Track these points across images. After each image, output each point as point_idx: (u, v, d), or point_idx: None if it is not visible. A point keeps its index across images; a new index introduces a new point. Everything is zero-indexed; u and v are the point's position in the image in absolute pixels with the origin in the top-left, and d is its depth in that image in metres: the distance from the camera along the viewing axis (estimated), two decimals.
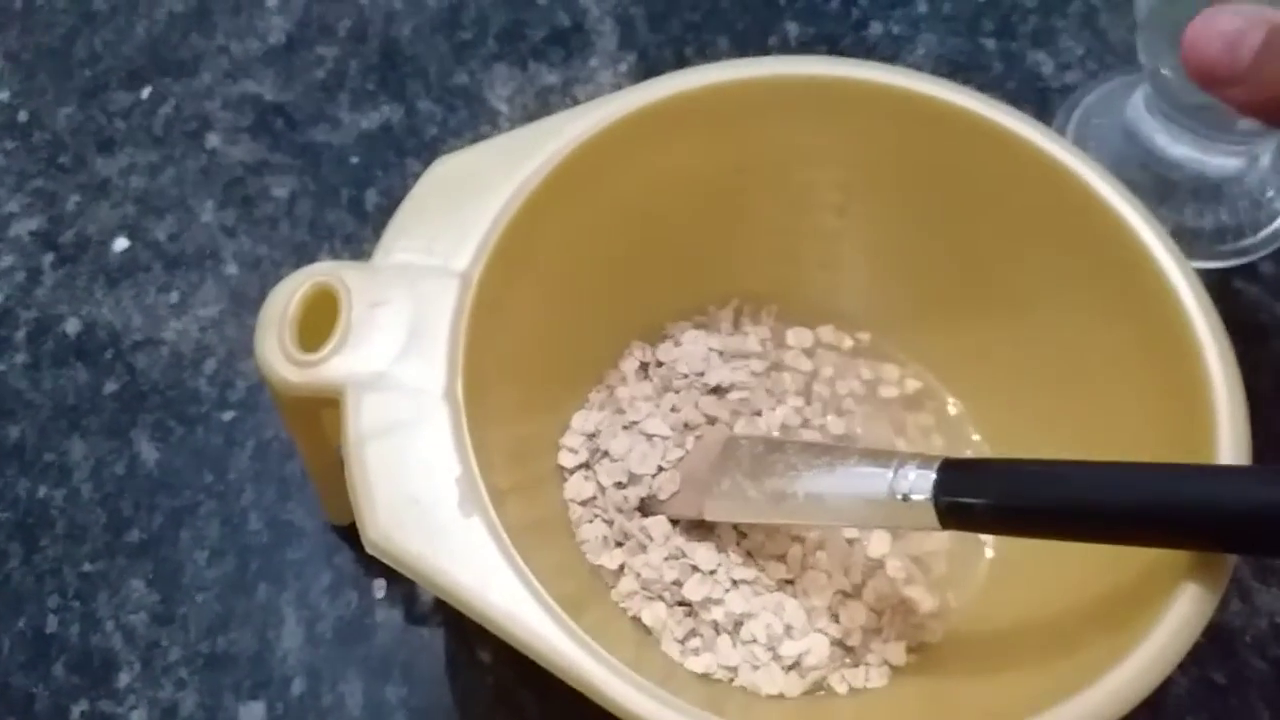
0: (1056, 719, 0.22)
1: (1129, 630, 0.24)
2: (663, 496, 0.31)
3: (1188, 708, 0.31)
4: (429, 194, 0.28)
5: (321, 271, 0.26)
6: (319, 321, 0.26)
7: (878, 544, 0.31)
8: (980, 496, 0.24)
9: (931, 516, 0.25)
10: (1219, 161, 0.38)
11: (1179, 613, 0.23)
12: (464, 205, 0.28)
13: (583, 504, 0.31)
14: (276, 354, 0.25)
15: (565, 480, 0.32)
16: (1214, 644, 0.32)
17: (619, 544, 0.31)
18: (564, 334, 0.31)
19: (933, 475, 0.25)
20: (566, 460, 0.32)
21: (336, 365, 0.25)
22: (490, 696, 0.30)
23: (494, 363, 0.27)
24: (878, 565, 0.31)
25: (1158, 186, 0.38)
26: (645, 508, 0.31)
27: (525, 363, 0.29)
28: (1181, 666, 0.31)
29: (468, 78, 0.41)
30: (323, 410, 0.27)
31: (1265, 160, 0.39)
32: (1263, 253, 0.38)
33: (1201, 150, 0.37)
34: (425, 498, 0.24)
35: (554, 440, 0.32)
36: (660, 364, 0.33)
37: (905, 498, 0.25)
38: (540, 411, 0.31)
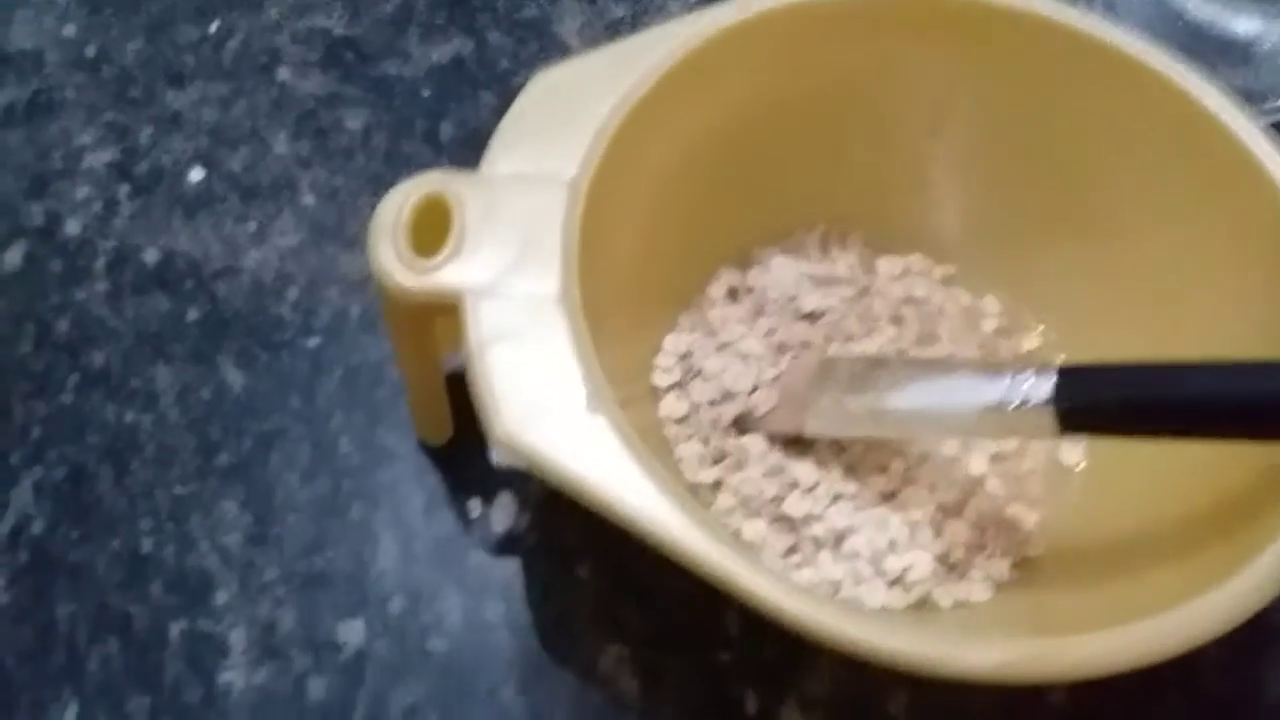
0: (1165, 624, 0.22)
1: (1238, 540, 0.24)
2: (760, 413, 0.31)
3: None
4: (531, 107, 0.28)
5: (433, 181, 0.26)
6: (428, 232, 0.26)
7: (977, 462, 0.31)
8: (1102, 396, 0.24)
9: (1048, 423, 0.25)
10: (1245, 23, 0.39)
11: None
12: (569, 116, 0.27)
13: (677, 422, 0.31)
14: (393, 260, 0.25)
15: (660, 399, 0.32)
16: None
17: (715, 461, 0.31)
18: (659, 253, 0.31)
19: (1052, 378, 0.25)
20: (661, 380, 0.32)
21: (452, 272, 0.25)
22: (589, 612, 0.30)
23: (602, 273, 0.27)
24: (978, 483, 0.31)
25: (1186, 49, 0.39)
26: (741, 425, 0.31)
27: (625, 277, 0.29)
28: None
29: (537, 10, 0.41)
30: (436, 319, 0.27)
31: None
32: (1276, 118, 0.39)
33: (1228, 10, 0.39)
34: (550, 397, 0.24)
35: (647, 361, 0.32)
36: (750, 289, 0.33)
37: (1022, 404, 0.25)
38: (637, 329, 0.31)
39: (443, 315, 0.26)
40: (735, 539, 0.29)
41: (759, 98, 0.31)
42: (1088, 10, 0.30)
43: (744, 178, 0.32)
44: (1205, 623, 0.23)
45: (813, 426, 0.30)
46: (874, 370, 0.30)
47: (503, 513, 0.32)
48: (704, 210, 0.32)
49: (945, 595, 0.29)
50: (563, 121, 0.27)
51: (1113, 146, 0.30)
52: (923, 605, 0.29)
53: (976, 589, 0.29)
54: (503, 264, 0.25)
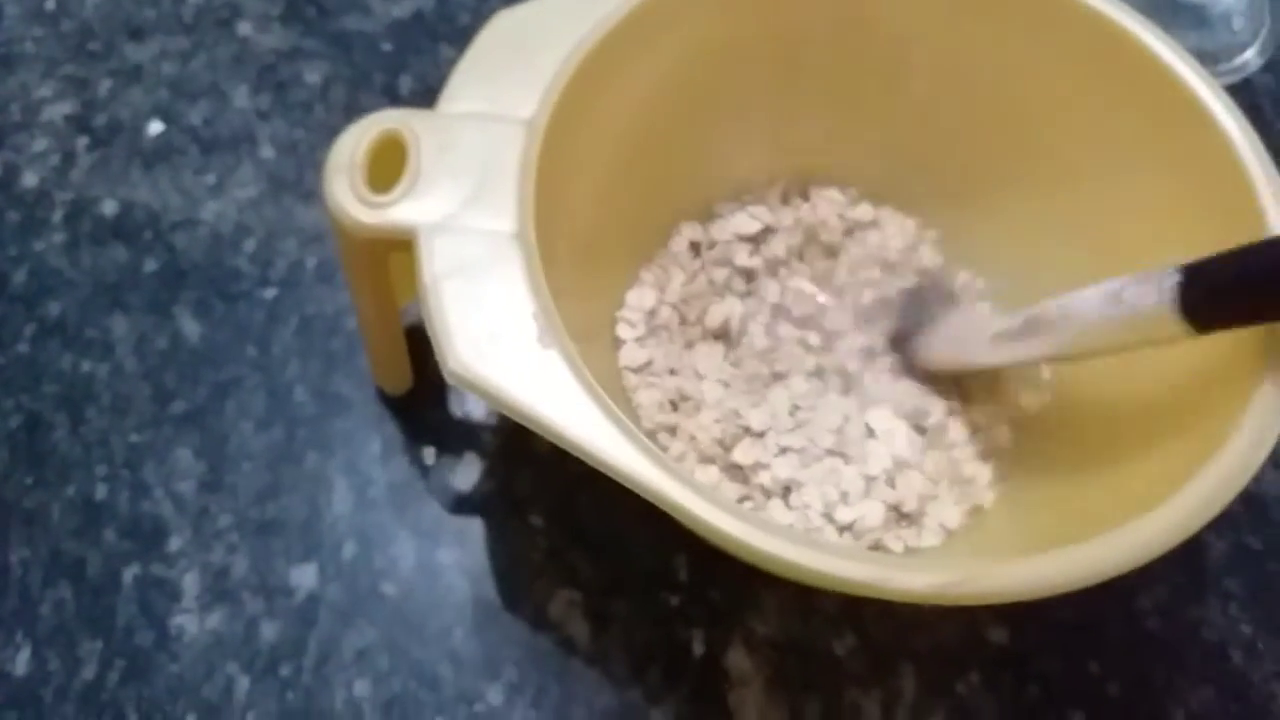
0: (1093, 549, 0.23)
1: (1201, 442, 0.24)
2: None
3: (1224, 570, 0.31)
4: (491, 46, 0.28)
5: (389, 118, 0.26)
6: (384, 169, 0.26)
7: (937, 414, 0.31)
8: (1221, 281, 0.23)
9: (1175, 320, 0.24)
10: None
11: (1253, 424, 0.23)
12: (527, 56, 0.27)
13: (636, 371, 0.32)
14: (348, 195, 0.25)
15: (620, 348, 0.32)
16: (1249, 510, 0.32)
17: (674, 407, 0.31)
18: (618, 203, 0.31)
19: (1175, 277, 0.24)
20: (624, 332, 0.32)
21: (408, 208, 0.25)
22: (542, 558, 0.30)
23: (559, 212, 0.27)
24: (938, 434, 0.31)
25: (1143, 9, 0.40)
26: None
27: (584, 224, 0.29)
28: (1218, 530, 0.33)
29: None
30: (390, 255, 0.27)
31: None
32: (1228, 80, 0.40)
33: None
34: (503, 331, 0.24)
35: (606, 313, 0.32)
36: (714, 244, 0.34)
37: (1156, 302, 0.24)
38: (596, 279, 0.31)
39: (398, 251, 0.26)
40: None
41: (718, 46, 0.31)
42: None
43: (703, 129, 0.32)
44: (1133, 548, 0.23)
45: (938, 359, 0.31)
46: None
47: (457, 460, 0.32)
48: (663, 162, 0.32)
49: (896, 541, 0.30)
50: (522, 62, 0.27)
51: (1065, 95, 0.30)
52: (874, 549, 0.30)
53: (927, 535, 0.30)
54: (458, 200, 0.25)
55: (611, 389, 0.31)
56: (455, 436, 0.32)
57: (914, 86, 0.33)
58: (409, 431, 0.32)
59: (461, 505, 0.31)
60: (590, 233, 0.30)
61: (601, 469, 0.23)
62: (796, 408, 0.31)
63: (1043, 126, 0.31)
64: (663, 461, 0.22)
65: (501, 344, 0.24)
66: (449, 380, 0.23)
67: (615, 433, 0.23)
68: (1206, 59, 0.40)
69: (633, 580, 0.30)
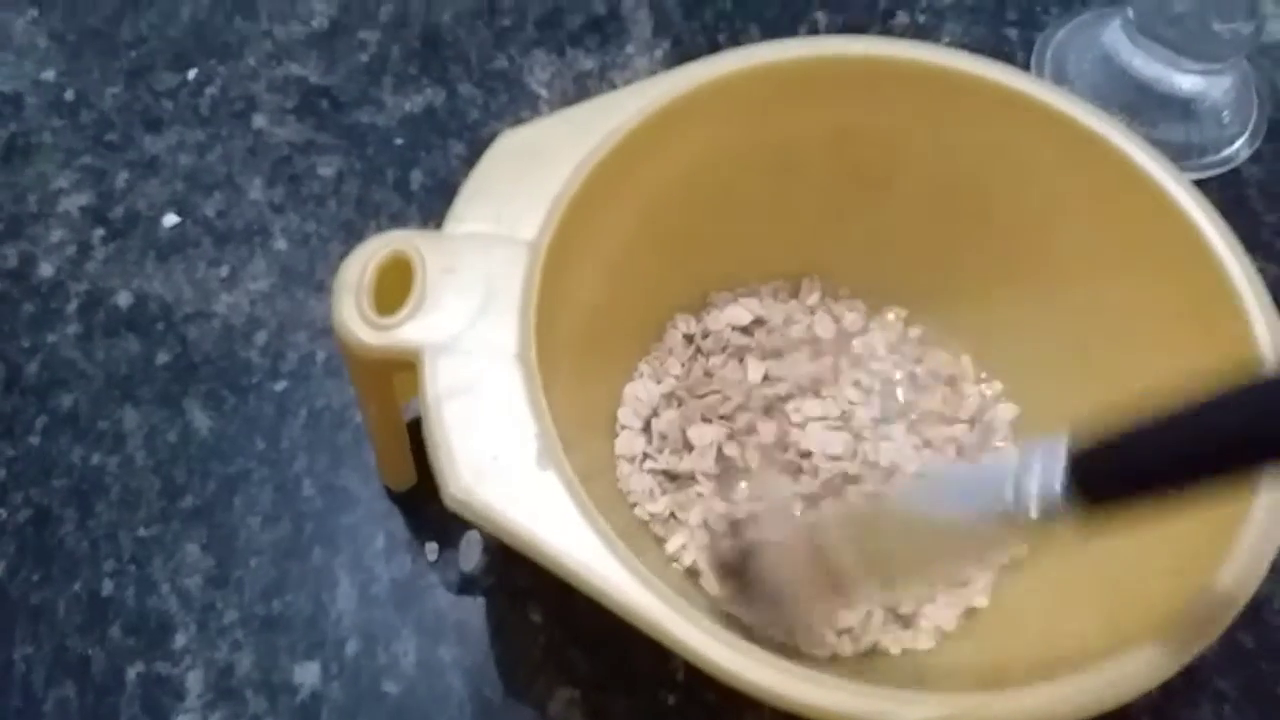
0: (1096, 679, 0.23)
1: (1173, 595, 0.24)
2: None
3: (1216, 670, 0.32)
4: (495, 166, 0.29)
5: (396, 239, 0.27)
6: (391, 288, 0.27)
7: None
8: (1119, 468, 0.22)
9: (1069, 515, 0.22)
10: (1189, 80, 0.41)
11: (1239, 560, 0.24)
12: (530, 177, 0.28)
13: (630, 461, 0.32)
14: (355, 318, 0.26)
15: (616, 437, 0.33)
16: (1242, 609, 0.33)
17: (664, 491, 0.32)
18: (617, 306, 0.32)
19: (1059, 466, 0.22)
20: (625, 419, 0.33)
21: (412, 329, 0.26)
22: (541, 655, 0.31)
23: (559, 329, 0.28)
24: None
25: (1132, 105, 0.41)
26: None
27: (584, 331, 0.30)
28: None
29: (507, 63, 0.42)
30: (395, 373, 0.27)
31: (1227, 81, 0.42)
32: (1217, 171, 0.41)
33: (1172, 68, 0.41)
34: (503, 453, 0.24)
35: (605, 408, 0.33)
36: (707, 334, 0.34)
37: (1040, 502, 0.22)
38: (594, 380, 0.32)
39: (403, 370, 0.26)
40: (675, 582, 0.30)
41: (716, 156, 0.32)
42: (1038, 72, 0.31)
43: (700, 232, 0.33)
44: (1137, 678, 0.23)
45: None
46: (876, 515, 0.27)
47: (461, 557, 0.32)
48: (661, 264, 0.33)
49: (894, 644, 0.30)
50: (525, 182, 0.28)
51: (1053, 202, 0.31)
52: (871, 653, 0.30)
53: (922, 638, 0.30)
54: (461, 321, 0.26)
55: (608, 478, 0.32)
56: (458, 531, 0.33)
57: (904, 192, 0.34)
58: (412, 527, 0.33)
59: (462, 602, 0.32)
60: (590, 336, 0.31)
61: (599, 600, 0.23)
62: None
63: (1031, 229, 0.32)
64: (659, 590, 0.23)
65: (502, 466, 0.24)
66: (449, 506, 0.24)
67: (614, 563, 0.23)
68: (1194, 151, 0.41)
69: (631, 678, 0.31)
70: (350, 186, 0.39)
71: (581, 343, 0.30)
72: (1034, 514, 0.22)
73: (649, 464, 0.32)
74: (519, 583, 0.32)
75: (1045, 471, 0.22)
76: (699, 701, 0.30)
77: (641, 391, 0.34)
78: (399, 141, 0.40)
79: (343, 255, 0.27)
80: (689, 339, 0.34)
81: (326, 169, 0.39)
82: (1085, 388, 0.31)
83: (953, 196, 0.33)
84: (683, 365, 0.34)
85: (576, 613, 0.31)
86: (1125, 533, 0.28)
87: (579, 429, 0.30)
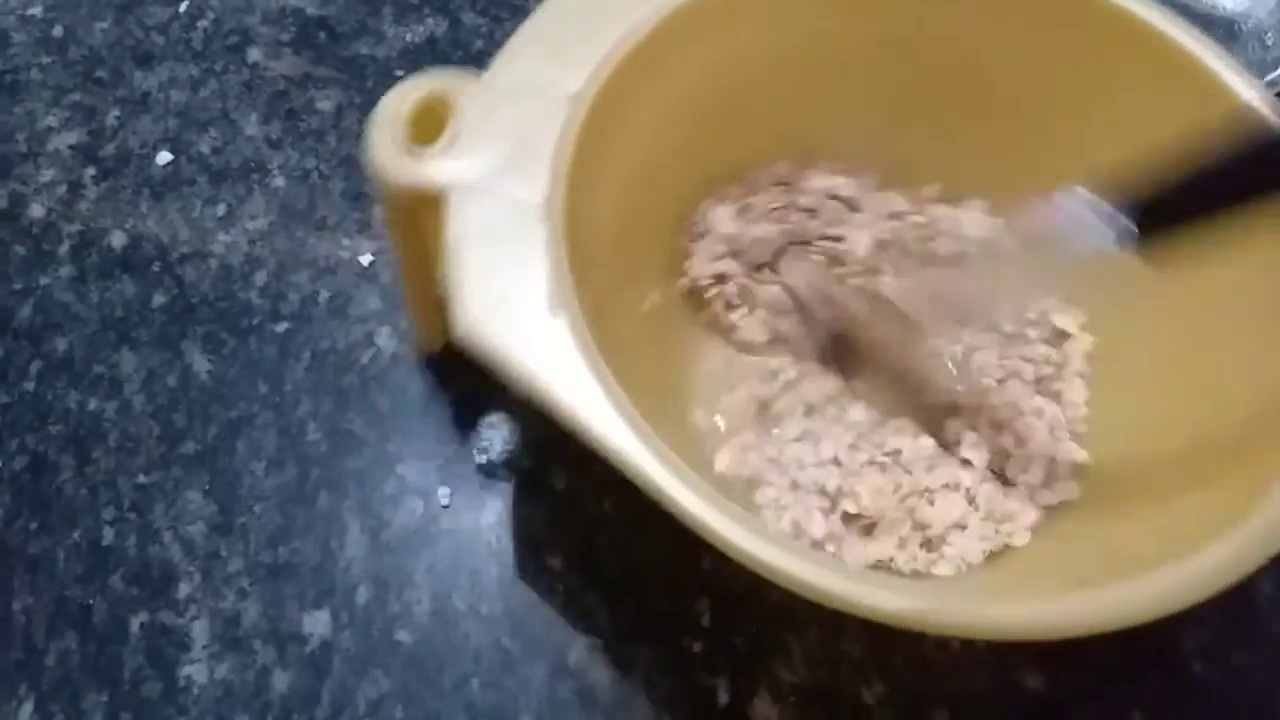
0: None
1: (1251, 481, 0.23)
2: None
3: (1274, 613, 0.30)
4: (550, 17, 0.28)
5: (437, 79, 0.26)
6: (427, 127, 0.26)
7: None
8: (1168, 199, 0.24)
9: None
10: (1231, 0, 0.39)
11: None
12: (584, 31, 0.27)
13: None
14: (389, 148, 0.25)
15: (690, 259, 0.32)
16: None
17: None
18: (666, 172, 0.31)
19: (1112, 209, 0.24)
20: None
21: (442, 166, 0.25)
22: (560, 602, 0.29)
23: (598, 185, 0.27)
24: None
25: None
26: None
27: (626, 190, 0.29)
28: (1265, 570, 0.32)
29: None
30: (421, 212, 0.27)
31: (1272, 1, 0.40)
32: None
33: None
34: (515, 295, 0.24)
35: (654, 269, 0.32)
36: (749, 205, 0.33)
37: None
38: (638, 242, 0.31)
39: (428, 208, 0.25)
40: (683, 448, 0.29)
41: (769, 44, 0.31)
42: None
43: (736, 112, 0.32)
44: (1180, 591, 0.22)
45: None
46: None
47: (473, 501, 0.31)
48: (698, 144, 0.32)
49: (908, 564, 0.29)
50: (578, 35, 0.27)
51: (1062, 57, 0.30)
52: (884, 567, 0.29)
53: (943, 565, 0.29)
54: (491, 166, 0.25)
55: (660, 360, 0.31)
56: (470, 476, 0.31)
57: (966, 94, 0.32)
58: (424, 469, 0.31)
59: (476, 547, 0.30)
60: (629, 206, 0.30)
61: (595, 449, 0.22)
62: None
63: (1094, 134, 0.30)
64: (654, 445, 0.22)
65: (511, 307, 0.23)
66: (458, 343, 0.23)
67: (611, 411, 0.22)
68: None
69: (654, 625, 0.29)
70: (350, 121, 0.37)
71: (624, 207, 0.29)
72: (1105, 248, 0.24)
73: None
74: (536, 530, 0.30)
75: (1112, 210, 0.24)
76: (726, 647, 0.29)
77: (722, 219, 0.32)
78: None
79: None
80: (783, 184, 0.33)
81: (325, 103, 0.38)
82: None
83: (1010, 101, 0.31)
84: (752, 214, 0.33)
85: (596, 559, 0.30)
86: (1179, 460, 0.27)
87: (619, 289, 0.29)
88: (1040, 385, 0.32)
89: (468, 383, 0.32)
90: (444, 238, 0.24)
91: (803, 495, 0.29)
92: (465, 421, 0.32)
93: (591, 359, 0.23)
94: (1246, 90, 0.27)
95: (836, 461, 0.29)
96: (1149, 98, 0.29)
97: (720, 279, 0.32)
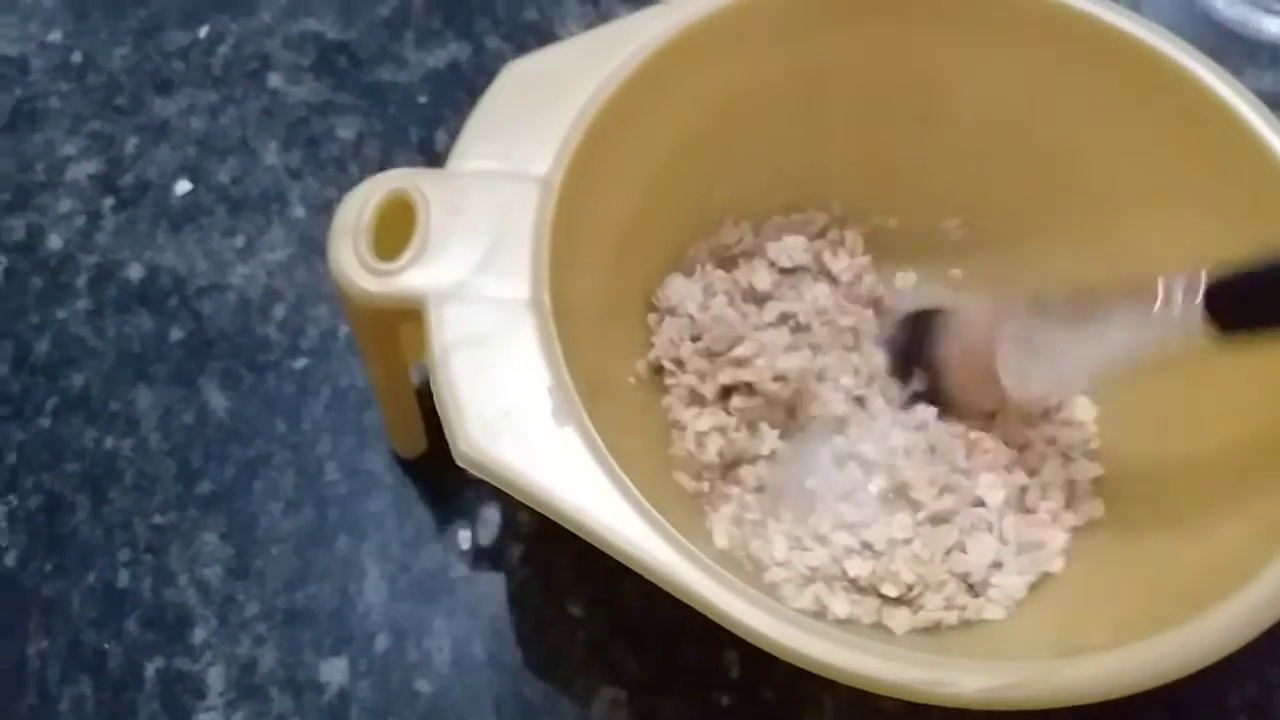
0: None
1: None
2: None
3: None
4: (503, 98, 0.27)
5: (397, 178, 0.25)
6: (394, 231, 0.24)
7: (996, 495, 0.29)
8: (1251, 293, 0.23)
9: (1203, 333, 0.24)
10: (1276, 23, 0.38)
11: None
12: (541, 108, 0.26)
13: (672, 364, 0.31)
14: (353, 263, 0.24)
15: (656, 333, 0.31)
16: None
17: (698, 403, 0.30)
18: (637, 242, 0.30)
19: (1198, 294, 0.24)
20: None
21: (416, 275, 0.24)
22: (583, 651, 0.29)
23: (576, 268, 0.26)
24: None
25: (1214, 50, 0.38)
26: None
27: (603, 267, 0.28)
28: None
29: (537, 13, 0.39)
30: (400, 324, 0.25)
31: None
32: None
33: (1260, 10, 0.38)
34: (516, 408, 0.23)
35: (635, 342, 0.31)
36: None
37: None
38: (619, 316, 0.30)
39: (408, 321, 0.24)
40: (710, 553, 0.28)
41: (742, 82, 0.29)
42: (1111, 4, 0.28)
43: (724, 162, 0.31)
44: (1221, 636, 0.21)
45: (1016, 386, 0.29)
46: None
47: (493, 546, 0.30)
48: (683, 199, 0.31)
49: (958, 616, 0.28)
50: (535, 114, 0.26)
51: (1112, 132, 0.29)
52: (936, 629, 0.28)
53: (991, 609, 0.28)
54: (469, 266, 0.24)
55: (651, 435, 0.30)
56: (489, 521, 0.31)
57: (945, 120, 0.31)
58: (444, 514, 0.31)
59: (496, 594, 0.30)
60: (611, 270, 0.29)
61: (621, 559, 0.21)
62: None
63: (1085, 164, 0.30)
64: (686, 550, 0.21)
65: (515, 422, 0.22)
66: (459, 463, 0.22)
67: (638, 521, 0.21)
68: None
69: (680, 677, 0.29)
70: (371, 149, 0.37)
71: (603, 281, 0.28)
72: (1173, 339, 0.24)
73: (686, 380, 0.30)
74: (557, 576, 0.30)
75: (1186, 302, 0.24)
76: (755, 700, 0.28)
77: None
78: (422, 100, 0.38)
79: None
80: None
81: (346, 130, 0.37)
82: None
83: (999, 130, 0.30)
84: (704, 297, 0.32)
85: (620, 607, 0.29)
86: (1209, 476, 0.26)
87: (602, 372, 0.28)
88: (1045, 414, 0.31)
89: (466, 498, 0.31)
90: (428, 350, 0.23)
91: (822, 576, 0.28)
92: None
93: (610, 471, 0.22)
94: None
95: (865, 547, 0.28)
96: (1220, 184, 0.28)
97: (679, 364, 0.30)
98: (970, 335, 0.30)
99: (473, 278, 0.24)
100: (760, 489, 0.30)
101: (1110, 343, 0.26)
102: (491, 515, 0.31)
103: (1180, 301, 0.24)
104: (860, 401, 0.31)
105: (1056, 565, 0.28)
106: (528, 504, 0.22)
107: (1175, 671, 0.21)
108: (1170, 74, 0.27)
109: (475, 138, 0.26)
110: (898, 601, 0.28)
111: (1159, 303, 0.24)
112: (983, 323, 0.30)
